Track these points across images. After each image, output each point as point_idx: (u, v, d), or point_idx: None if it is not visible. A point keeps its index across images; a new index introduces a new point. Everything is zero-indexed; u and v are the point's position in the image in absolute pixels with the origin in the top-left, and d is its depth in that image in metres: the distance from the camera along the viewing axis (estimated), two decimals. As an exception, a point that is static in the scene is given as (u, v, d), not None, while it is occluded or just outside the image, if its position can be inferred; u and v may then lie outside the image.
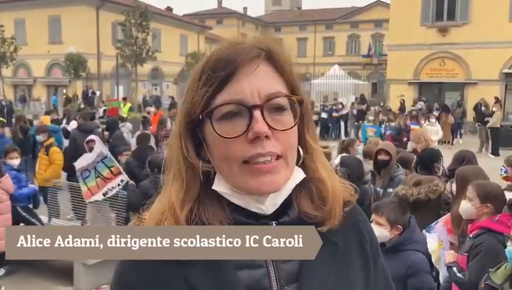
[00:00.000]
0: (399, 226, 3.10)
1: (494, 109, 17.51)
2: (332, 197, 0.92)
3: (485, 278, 2.69)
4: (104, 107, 18.67)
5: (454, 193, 3.90)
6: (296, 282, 0.88)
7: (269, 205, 0.88)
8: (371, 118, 14.05)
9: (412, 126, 12.28)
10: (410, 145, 7.08)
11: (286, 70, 0.88)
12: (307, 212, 0.91)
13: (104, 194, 5.80)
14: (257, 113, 0.82)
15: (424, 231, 3.67)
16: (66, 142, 9.72)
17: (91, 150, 6.75)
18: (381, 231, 3.06)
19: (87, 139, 6.99)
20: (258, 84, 0.84)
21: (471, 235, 3.23)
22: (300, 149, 0.92)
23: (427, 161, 5.00)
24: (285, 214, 0.90)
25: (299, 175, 0.91)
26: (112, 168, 5.84)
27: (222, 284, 0.84)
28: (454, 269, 3.16)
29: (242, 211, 0.88)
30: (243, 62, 0.84)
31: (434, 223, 3.76)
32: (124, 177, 5.85)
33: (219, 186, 0.89)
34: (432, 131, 12.46)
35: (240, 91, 0.83)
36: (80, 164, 5.98)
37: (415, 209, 3.94)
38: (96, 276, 5.20)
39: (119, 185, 5.82)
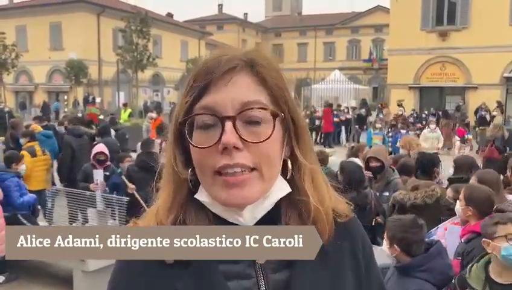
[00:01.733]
0: (395, 245, 2.89)
1: (494, 113, 17.51)
2: (316, 215, 0.90)
3: (458, 281, 2.69)
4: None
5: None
6: None
7: (248, 218, 0.86)
8: (379, 125, 13.57)
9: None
10: (401, 152, 7.08)
11: (269, 82, 0.86)
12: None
13: None
14: (228, 124, 0.81)
15: None
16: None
17: (100, 162, 6.74)
18: (385, 248, 2.96)
19: (96, 151, 6.86)
20: (234, 94, 0.83)
21: (462, 240, 3.23)
22: (289, 163, 0.91)
23: (427, 166, 4.99)
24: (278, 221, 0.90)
25: (283, 189, 0.90)
26: None
27: None
28: None
29: (223, 222, 0.88)
30: (220, 73, 0.84)
31: (434, 229, 3.74)
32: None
33: (201, 195, 0.89)
34: (433, 137, 12.25)
35: (215, 101, 0.83)
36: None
37: (424, 215, 3.92)
38: (96, 283, 5.17)
39: None
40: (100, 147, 6.90)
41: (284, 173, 0.90)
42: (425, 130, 13.05)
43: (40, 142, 8.80)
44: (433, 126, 12.93)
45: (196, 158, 0.86)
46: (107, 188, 6.45)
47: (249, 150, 0.82)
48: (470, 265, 2.71)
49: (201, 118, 0.84)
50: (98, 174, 6.52)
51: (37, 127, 9.99)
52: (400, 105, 21.90)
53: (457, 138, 13.59)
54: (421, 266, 2.83)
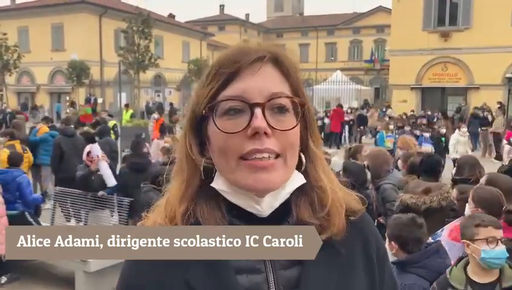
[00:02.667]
0: (393, 242, 2.94)
1: (495, 113, 17.47)
2: (332, 206, 0.91)
3: (444, 283, 2.69)
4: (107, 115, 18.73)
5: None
6: (296, 288, 0.87)
7: (266, 206, 0.87)
8: (391, 126, 13.11)
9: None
10: (398, 152, 7.02)
11: (291, 75, 0.90)
12: (305, 221, 0.90)
13: None
14: (258, 110, 0.83)
15: (430, 238, 3.64)
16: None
17: (93, 160, 6.71)
18: (386, 245, 2.98)
19: (89, 149, 6.84)
20: (261, 83, 0.86)
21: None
22: (303, 155, 0.93)
23: (433, 167, 4.93)
24: (284, 221, 0.89)
25: (298, 179, 0.91)
26: None
27: (222, 287, 0.84)
28: None
29: (238, 213, 0.88)
30: (248, 62, 0.86)
31: (440, 230, 3.71)
32: None
33: (218, 184, 0.89)
34: (464, 142, 11.93)
35: (243, 88, 0.85)
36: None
37: (425, 218, 3.90)
38: (98, 283, 5.18)
39: None
40: (89, 147, 6.88)
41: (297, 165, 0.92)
42: (455, 134, 12.45)
43: (47, 143, 8.92)
44: (464, 129, 12.54)
45: (220, 144, 0.86)
46: (104, 192, 6.30)
47: (276, 137, 0.84)
48: (450, 267, 2.73)
49: (229, 103, 0.85)
50: (95, 149, 6.32)
51: (44, 128, 10.05)
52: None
53: (505, 141, 12.81)
54: (417, 262, 2.88)
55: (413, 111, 23.57)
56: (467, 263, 2.68)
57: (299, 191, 0.91)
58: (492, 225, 2.60)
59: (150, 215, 0.94)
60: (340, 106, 21.27)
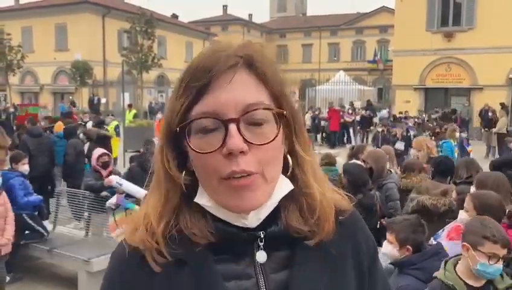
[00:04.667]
0: (408, 246, 2.92)
1: (499, 114, 17.40)
2: (322, 210, 0.88)
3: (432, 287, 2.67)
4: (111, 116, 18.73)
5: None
6: None
7: (252, 220, 0.84)
8: (457, 134, 12.37)
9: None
10: (412, 153, 6.98)
11: (269, 79, 0.83)
12: (293, 227, 0.87)
13: None
14: (232, 127, 0.78)
15: (432, 238, 3.62)
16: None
17: (104, 165, 6.64)
18: (391, 250, 2.94)
19: (100, 153, 6.77)
20: (235, 95, 0.79)
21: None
22: (290, 160, 0.89)
23: (446, 169, 4.91)
24: (273, 223, 0.86)
25: (285, 187, 0.87)
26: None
27: None
28: None
29: (225, 223, 0.85)
30: (220, 72, 0.80)
31: (441, 230, 3.70)
32: None
33: (201, 199, 0.85)
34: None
35: (215, 103, 0.79)
36: (110, 201, 5.73)
37: (439, 219, 3.89)
38: (100, 283, 5.17)
39: None
40: (100, 150, 6.83)
41: (284, 169, 0.88)
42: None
43: (52, 143, 8.99)
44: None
45: (198, 163, 0.82)
46: (107, 192, 6.24)
47: (253, 152, 0.79)
48: (441, 271, 2.68)
49: (202, 122, 0.80)
50: (115, 178, 5.98)
51: (60, 126, 10.23)
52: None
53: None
54: (414, 264, 2.87)
55: (422, 111, 23.27)
56: (456, 264, 2.64)
57: (288, 196, 0.88)
58: (500, 243, 2.51)
59: (128, 222, 0.90)
60: (341, 106, 21.25)
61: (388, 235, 3.01)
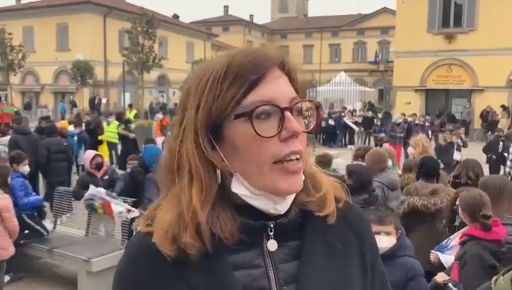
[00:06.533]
0: (399, 230, 3.12)
1: (500, 116, 17.41)
2: (326, 189, 0.96)
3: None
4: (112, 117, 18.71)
5: None
6: (295, 282, 0.89)
7: (284, 205, 0.90)
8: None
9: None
10: (410, 151, 6.99)
11: (297, 81, 0.94)
12: (303, 201, 0.94)
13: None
14: (288, 114, 0.86)
15: (435, 250, 3.63)
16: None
17: (98, 166, 6.74)
18: (391, 239, 3.02)
19: (93, 155, 6.90)
20: (284, 88, 0.89)
21: (458, 243, 3.28)
22: None
23: (433, 168, 4.92)
24: (289, 211, 0.92)
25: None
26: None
27: (218, 283, 0.84)
28: (450, 285, 3.13)
29: (247, 211, 0.89)
30: (271, 67, 0.89)
31: (445, 241, 3.69)
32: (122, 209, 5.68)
33: (237, 188, 0.88)
34: None
35: (272, 94, 0.87)
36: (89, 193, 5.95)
37: (431, 219, 3.90)
38: (100, 283, 5.17)
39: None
40: (92, 153, 6.92)
41: None
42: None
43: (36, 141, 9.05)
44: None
45: (252, 149, 0.85)
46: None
47: (299, 139, 0.88)
48: (496, 277, 2.65)
49: (261, 109, 0.86)
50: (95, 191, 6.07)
51: (65, 124, 10.32)
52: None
53: None
54: (402, 245, 3.07)
55: (428, 114, 23.05)
56: None
57: None
58: None
59: (158, 229, 0.88)
60: (343, 107, 21.29)
61: (386, 227, 3.03)
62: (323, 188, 0.96)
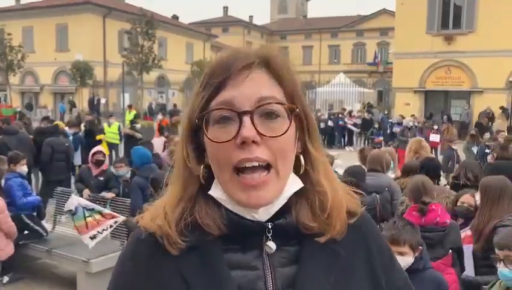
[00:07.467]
0: (420, 247, 2.92)
1: (498, 117, 17.41)
2: (333, 208, 0.91)
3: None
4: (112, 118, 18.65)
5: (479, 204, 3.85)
6: (292, 287, 0.87)
7: (263, 215, 0.87)
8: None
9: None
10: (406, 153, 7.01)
11: (283, 78, 0.88)
12: (304, 223, 0.89)
13: (91, 237, 5.27)
14: (246, 118, 0.82)
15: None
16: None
17: (98, 163, 6.74)
18: (405, 260, 2.83)
19: (96, 150, 6.91)
20: (251, 90, 0.84)
21: None
22: (302, 159, 0.92)
23: (433, 170, 4.93)
24: (282, 217, 0.89)
25: (295, 184, 0.90)
26: (104, 213, 5.42)
27: (214, 280, 0.84)
28: None
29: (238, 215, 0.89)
30: (237, 68, 0.85)
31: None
32: (119, 218, 5.42)
33: (215, 191, 0.89)
34: None
35: (231, 96, 0.84)
36: (67, 206, 5.52)
37: None
38: (100, 284, 5.17)
39: (111, 226, 5.37)
40: (96, 148, 6.92)
41: (295, 168, 0.91)
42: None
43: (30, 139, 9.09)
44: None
45: (213, 153, 0.86)
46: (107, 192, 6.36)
47: (266, 144, 0.83)
48: (491, 283, 2.68)
49: (219, 112, 0.85)
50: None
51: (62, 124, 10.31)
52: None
53: None
54: (423, 257, 2.97)
55: (431, 114, 22.96)
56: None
57: (299, 193, 0.91)
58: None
59: (146, 214, 0.94)
60: (342, 108, 21.29)
61: (400, 248, 2.85)
62: (330, 212, 0.90)
